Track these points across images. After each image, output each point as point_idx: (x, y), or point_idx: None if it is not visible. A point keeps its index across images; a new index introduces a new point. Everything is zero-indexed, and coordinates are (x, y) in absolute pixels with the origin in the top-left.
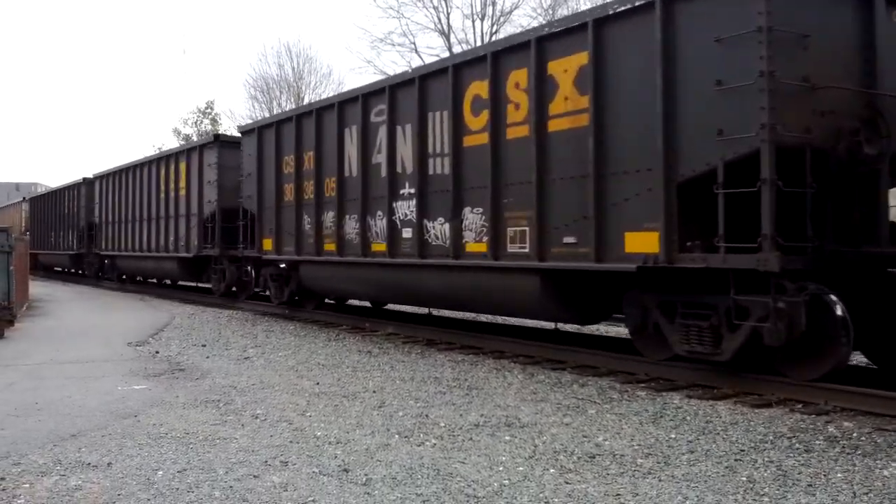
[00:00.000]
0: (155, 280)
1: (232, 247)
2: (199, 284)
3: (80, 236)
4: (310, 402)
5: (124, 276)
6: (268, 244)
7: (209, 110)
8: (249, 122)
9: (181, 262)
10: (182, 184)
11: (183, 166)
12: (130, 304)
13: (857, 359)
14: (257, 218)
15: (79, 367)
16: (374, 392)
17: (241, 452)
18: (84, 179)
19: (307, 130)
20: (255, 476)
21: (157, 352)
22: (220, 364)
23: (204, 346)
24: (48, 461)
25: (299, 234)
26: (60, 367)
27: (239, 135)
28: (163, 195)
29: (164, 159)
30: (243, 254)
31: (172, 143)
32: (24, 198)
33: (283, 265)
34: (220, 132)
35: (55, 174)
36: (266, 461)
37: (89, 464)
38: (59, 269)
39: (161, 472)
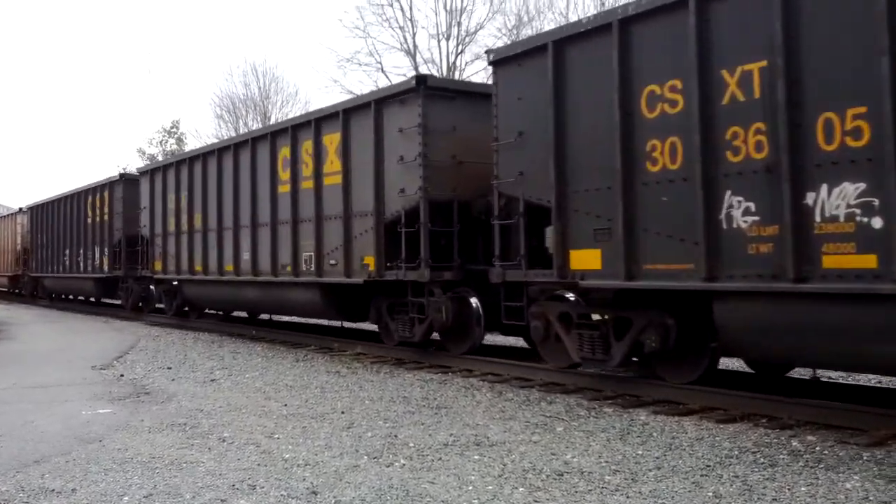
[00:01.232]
0: (82, 297)
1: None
2: (113, 301)
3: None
4: (278, 424)
5: (53, 295)
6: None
7: (174, 129)
8: (147, 163)
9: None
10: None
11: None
12: (93, 327)
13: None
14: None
15: (42, 391)
16: (343, 413)
17: (209, 476)
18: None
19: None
20: (222, 500)
21: (122, 375)
22: (186, 387)
23: (170, 368)
24: (10, 488)
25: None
26: (23, 392)
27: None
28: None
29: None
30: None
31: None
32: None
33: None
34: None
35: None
36: (234, 485)
37: (53, 490)
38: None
39: (127, 498)
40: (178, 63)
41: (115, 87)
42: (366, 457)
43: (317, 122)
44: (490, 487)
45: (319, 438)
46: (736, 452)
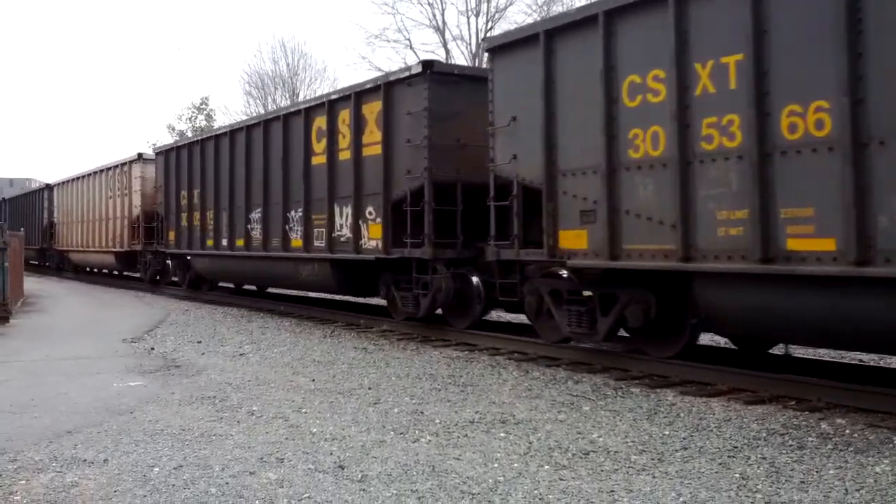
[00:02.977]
0: (105, 270)
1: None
2: (133, 274)
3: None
4: (305, 399)
5: (77, 268)
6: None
7: (204, 106)
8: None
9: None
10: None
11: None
12: (125, 301)
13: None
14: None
15: (74, 363)
16: (370, 389)
17: (237, 449)
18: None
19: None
20: (251, 473)
21: (153, 348)
22: (215, 360)
23: (199, 342)
24: (44, 458)
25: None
26: (56, 364)
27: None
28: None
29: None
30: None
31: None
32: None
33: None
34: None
35: (50, 169)
36: (262, 458)
37: (85, 460)
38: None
39: (157, 469)
40: (208, 39)
41: (145, 64)
42: (392, 432)
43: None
44: (515, 465)
45: (346, 413)
46: (764, 434)
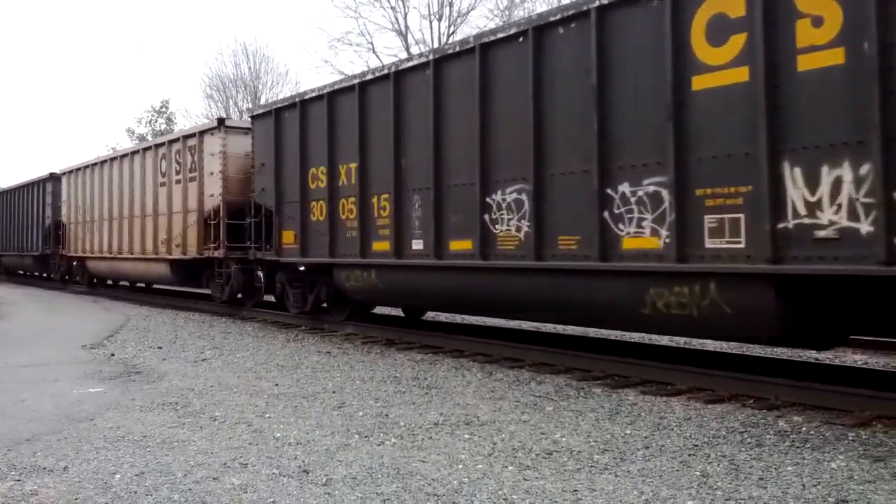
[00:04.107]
0: (143, 285)
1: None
2: (198, 290)
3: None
4: (269, 404)
5: (95, 280)
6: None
7: (164, 109)
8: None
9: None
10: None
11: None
12: (84, 306)
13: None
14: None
15: (32, 370)
16: (334, 392)
17: (200, 455)
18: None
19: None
20: (214, 478)
21: (113, 354)
22: (176, 366)
23: (160, 347)
24: (2, 466)
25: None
26: (14, 371)
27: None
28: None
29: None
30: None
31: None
32: None
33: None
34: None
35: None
36: (225, 463)
37: (45, 468)
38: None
39: (118, 476)
40: (168, 42)
41: (103, 66)
42: (357, 436)
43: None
44: (480, 466)
45: (311, 418)
46: (723, 432)
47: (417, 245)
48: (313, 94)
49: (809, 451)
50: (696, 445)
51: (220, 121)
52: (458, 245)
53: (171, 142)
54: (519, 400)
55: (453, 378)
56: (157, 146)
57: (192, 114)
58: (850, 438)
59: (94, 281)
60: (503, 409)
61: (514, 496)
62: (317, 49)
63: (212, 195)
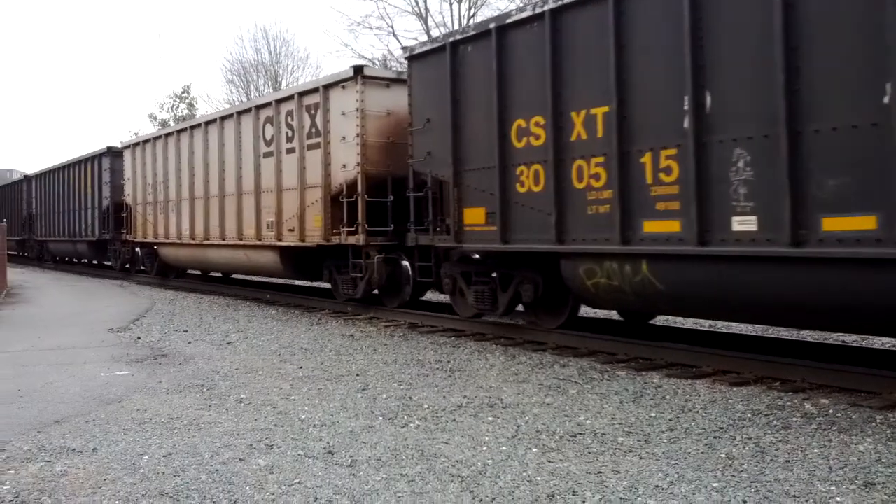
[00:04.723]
0: (76, 259)
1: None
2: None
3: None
4: (293, 386)
5: (169, 270)
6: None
7: (185, 94)
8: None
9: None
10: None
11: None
12: (110, 291)
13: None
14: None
15: (60, 353)
16: (358, 375)
17: (226, 436)
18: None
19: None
20: (240, 459)
21: (139, 337)
22: (202, 349)
23: (186, 331)
24: (32, 447)
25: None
26: (42, 354)
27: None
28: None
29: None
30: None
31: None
32: None
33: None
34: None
35: (31, 160)
36: (251, 444)
37: (74, 449)
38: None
39: (147, 457)
40: (189, 27)
41: (125, 52)
42: (381, 418)
43: (277, 103)
44: (504, 448)
45: (335, 400)
46: (749, 415)
47: (743, 224)
48: (523, 15)
49: (836, 434)
50: (722, 428)
51: (357, 69)
52: (840, 224)
53: (281, 101)
54: (542, 383)
55: (476, 361)
56: (260, 108)
57: (213, 99)
58: (878, 421)
59: (165, 271)
60: (526, 391)
61: (539, 478)
62: (337, 33)
63: (344, 166)
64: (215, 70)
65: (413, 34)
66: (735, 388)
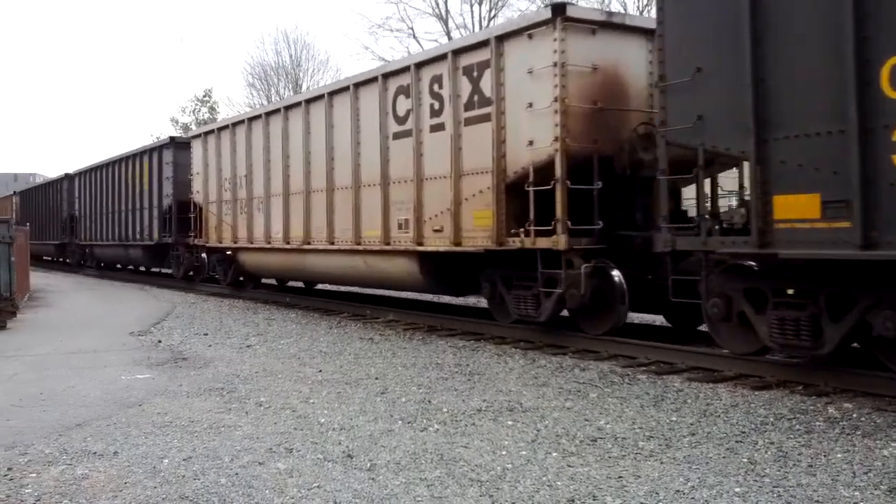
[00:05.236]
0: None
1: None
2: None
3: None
4: (313, 390)
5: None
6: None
7: (207, 98)
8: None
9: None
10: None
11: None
12: (131, 294)
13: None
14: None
15: (82, 357)
16: (377, 379)
17: (246, 440)
18: (171, 139)
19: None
20: (260, 463)
21: (160, 341)
22: (222, 352)
23: (206, 334)
24: (54, 451)
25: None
26: (64, 358)
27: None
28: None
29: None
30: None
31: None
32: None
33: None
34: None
35: (53, 164)
36: (271, 448)
37: (95, 453)
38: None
39: (167, 460)
40: (210, 31)
41: (147, 57)
42: (400, 421)
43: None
44: (523, 452)
45: (354, 403)
46: (771, 419)
47: None
48: None
49: (860, 438)
50: (744, 432)
51: (558, 8)
52: None
53: (423, 64)
54: (562, 387)
55: (496, 365)
56: (388, 76)
57: (234, 102)
58: None
59: (241, 280)
60: (546, 395)
61: (559, 482)
62: (357, 35)
63: (531, 143)
64: (236, 73)
65: (433, 36)
66: (757, 392)
